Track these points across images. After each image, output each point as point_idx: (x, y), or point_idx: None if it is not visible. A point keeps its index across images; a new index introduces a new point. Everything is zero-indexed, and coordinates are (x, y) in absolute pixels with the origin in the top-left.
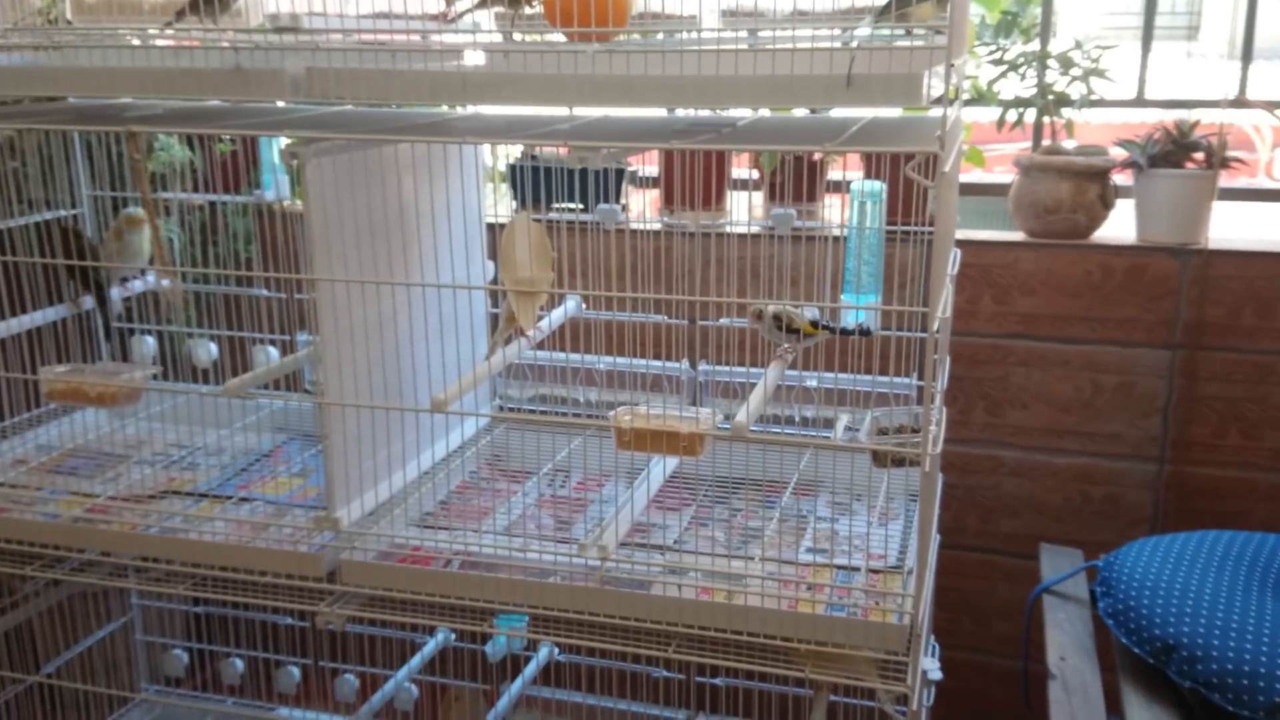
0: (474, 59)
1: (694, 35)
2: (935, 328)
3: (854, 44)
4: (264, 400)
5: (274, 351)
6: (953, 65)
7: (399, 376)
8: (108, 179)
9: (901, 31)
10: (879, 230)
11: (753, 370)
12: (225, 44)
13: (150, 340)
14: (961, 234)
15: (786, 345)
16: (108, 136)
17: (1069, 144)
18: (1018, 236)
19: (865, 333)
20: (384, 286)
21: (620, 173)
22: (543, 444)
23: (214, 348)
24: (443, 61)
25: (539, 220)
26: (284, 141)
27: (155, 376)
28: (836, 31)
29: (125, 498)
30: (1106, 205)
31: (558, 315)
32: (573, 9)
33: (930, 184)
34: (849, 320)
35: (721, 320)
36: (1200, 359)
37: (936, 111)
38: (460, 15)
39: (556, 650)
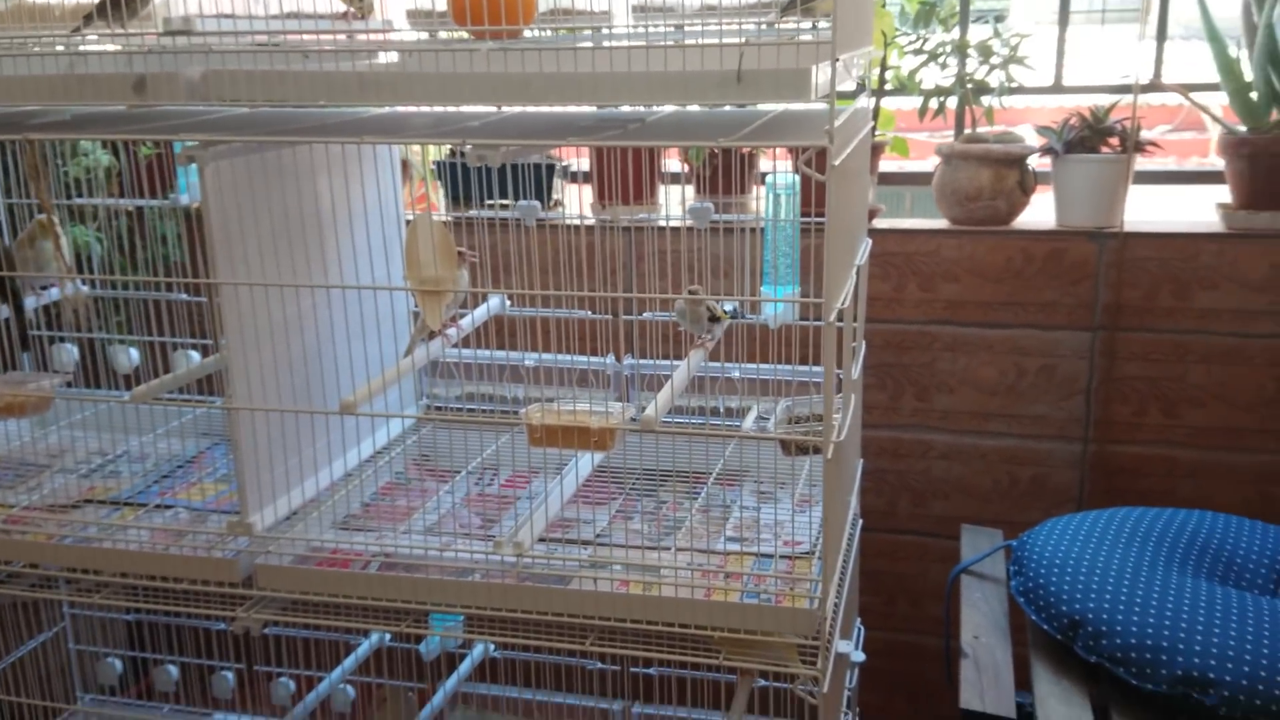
0: (386, 58)
1: (596, 33)
2: (832, 317)
3: (743, 40)
4: (186, 406)
5: (195, 356)
6: (839, 60)
7: (315, 379)
8: (21, 187)
9: (807, 25)
10: (794, 222)
11: (677, 362)
12: (121, 49)
13: (71, 348)
14: (885, 223)
15: (707, 335)
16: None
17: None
18: (941, 224)
19: (736, 316)
20: (297, 288)
21: (551, 168)
22: (470, 442)
23: (135, 354)
24: (340, 61)
25: (443, 220)
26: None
27: (68, 384)
28: (743, 26)
29: (41, 508)
30: (1026, 191)
31: (480, 313)
32: (479, 7)
33: (823, 177)
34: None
35: (645, 314)
36: (1119, 340)
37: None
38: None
39: (492, 647)
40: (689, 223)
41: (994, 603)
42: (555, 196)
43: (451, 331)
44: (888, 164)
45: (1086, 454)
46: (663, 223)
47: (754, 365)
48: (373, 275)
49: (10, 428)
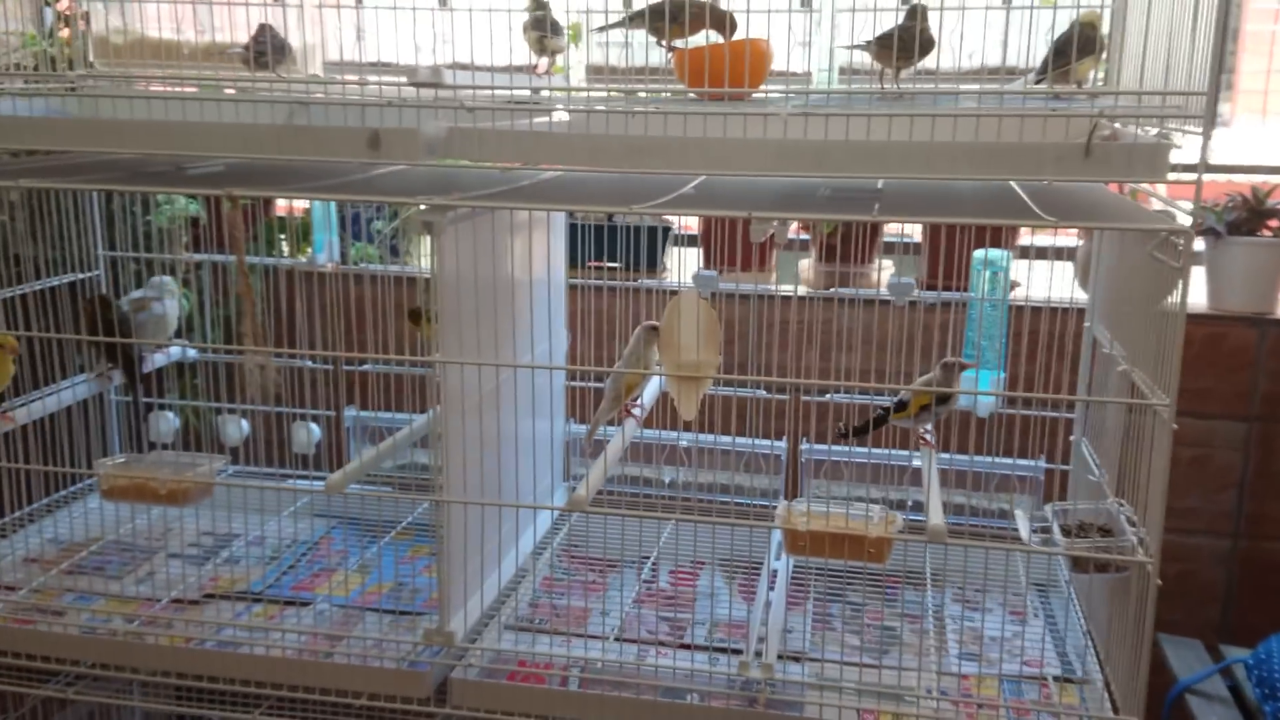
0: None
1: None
2: (1170, 418)
3: (1095, 109)
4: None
5: (316, 429)
6: (1211, 136)
7: (505, 463)
8: (128, 239)
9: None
10: (1004, 301)
11: (856, 450)
12: (355, 100)
13: (172, 417)
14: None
15: (925, 430)
16: (124, 194)
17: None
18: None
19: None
20: (488, 366)
21: (666, 231)
22: (618, 527)
23: (245, 425)
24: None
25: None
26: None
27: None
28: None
29: (176, 601)
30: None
31: (654, 390)
32: (719, 65)
33: (1178, 265)
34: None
35: (830, 396)
36: (1278, 432)
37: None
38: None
39: None
40: (890, 298)
41: None
42: (665, 260)
43: (637, 410)
44: None
45: (1237, 550)
46: (869, 296)
47: (966, 457)
48: (532, 347)
49: (97, 505)
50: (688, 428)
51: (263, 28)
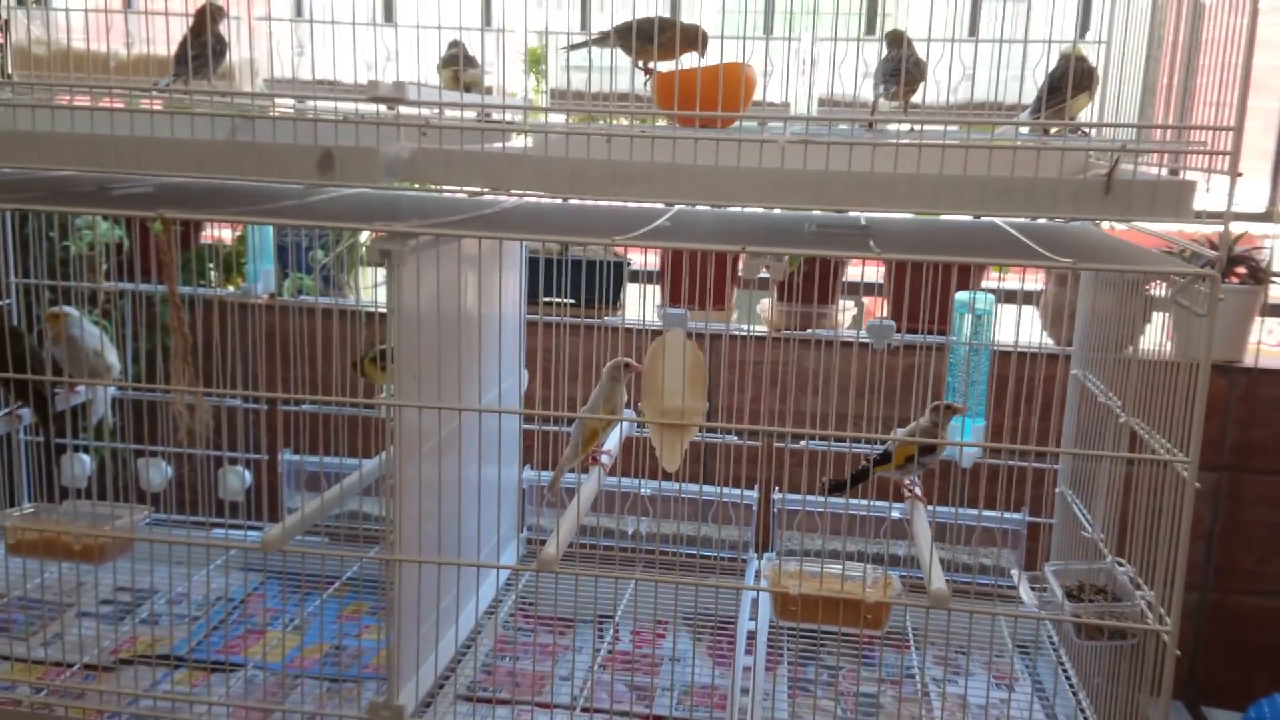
0: (521, 140)
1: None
2: (1193, 478)
3: (1119, 144)
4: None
5: (247, 474)
6: (1240, 174)
7: (461, 513)
8: (44, 266)
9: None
10: (989, 346)
11: (830, 501)
12: (300, 115)
13: (85, 459)
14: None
15: (911, 481)
16: (41, 217)
17: None
18: (1055, 349)
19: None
20: (447, 410)
21: (620, 267)
22: (585, 584)
23: (168, 468)
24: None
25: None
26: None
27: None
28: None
29: (88, 666)
30: (1146, 318)
31: (617, 435)
32: (712, 89)
33: (1202, 312)
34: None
35: (805, 443)
36: (1246, 482)
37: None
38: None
39: None
40: (869, 341)
41: None
42: (622, 297)
43: (604, 458)
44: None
45: (1205, 603)
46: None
47: (948, 509)
48: (498, 383)
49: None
50: (654, 475)
51: (203, 11)
